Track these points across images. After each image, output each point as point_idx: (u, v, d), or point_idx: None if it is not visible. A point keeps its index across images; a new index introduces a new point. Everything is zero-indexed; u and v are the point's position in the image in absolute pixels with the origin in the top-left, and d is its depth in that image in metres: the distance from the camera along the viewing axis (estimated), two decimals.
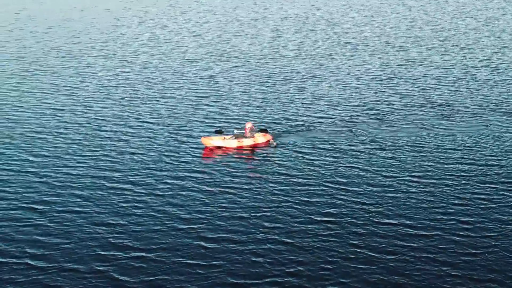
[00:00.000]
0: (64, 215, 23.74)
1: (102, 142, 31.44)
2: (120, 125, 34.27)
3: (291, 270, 20.34)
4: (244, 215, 23.97)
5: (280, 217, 23.85)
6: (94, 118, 35.15)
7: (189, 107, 37.74)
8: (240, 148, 31.07)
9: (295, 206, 24.77)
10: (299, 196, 25.67)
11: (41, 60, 50.85)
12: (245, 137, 31.50)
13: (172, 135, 32.54)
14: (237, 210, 24.41)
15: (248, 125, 31.94)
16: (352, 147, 31.00)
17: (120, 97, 39.90)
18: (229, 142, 31.15)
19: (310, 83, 44.04)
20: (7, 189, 26.50)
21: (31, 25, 68.01)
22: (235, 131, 31.77)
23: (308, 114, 36.63)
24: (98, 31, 64.38)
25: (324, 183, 26.76)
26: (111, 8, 77.90)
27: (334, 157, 29.65)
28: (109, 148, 30.63)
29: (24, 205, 25.00)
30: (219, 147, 30.79)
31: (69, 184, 26.52)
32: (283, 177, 27.52)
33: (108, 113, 36.30)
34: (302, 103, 38.81)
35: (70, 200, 24.99)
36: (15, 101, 39.13)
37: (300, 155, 29.94)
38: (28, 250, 21.50)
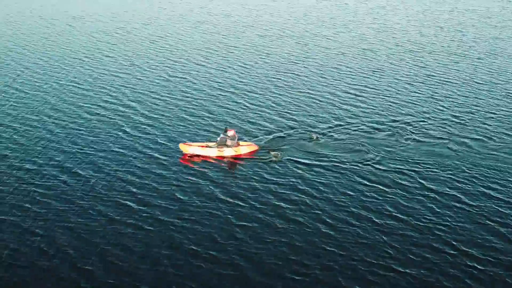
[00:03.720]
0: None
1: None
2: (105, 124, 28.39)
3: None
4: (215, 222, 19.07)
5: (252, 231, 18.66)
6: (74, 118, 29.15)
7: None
8: (219, 158, 24.19)
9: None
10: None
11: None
12: (227, 145, 24.37)
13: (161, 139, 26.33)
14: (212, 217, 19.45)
15: (230, 133, 24.72)
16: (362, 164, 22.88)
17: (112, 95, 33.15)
18: (208, 150, 24.39)
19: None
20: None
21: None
22: (218, 138, 24.82)
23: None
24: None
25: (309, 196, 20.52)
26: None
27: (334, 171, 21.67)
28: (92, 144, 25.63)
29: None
30: (197, 155, 24.24)
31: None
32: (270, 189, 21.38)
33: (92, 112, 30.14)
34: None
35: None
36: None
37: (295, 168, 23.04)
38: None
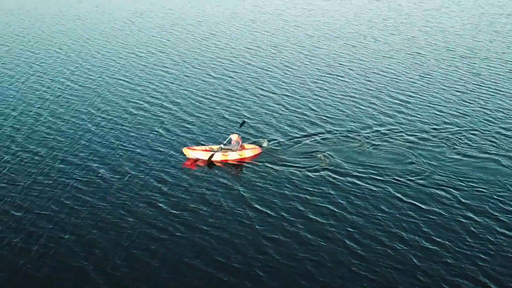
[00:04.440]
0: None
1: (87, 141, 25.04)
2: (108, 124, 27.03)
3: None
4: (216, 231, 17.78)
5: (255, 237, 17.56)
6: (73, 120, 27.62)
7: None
8: (224, 162, 22.84)
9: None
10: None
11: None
12: (231, 150, 23.00)
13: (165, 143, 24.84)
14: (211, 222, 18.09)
15: (234, 137, 23.29)
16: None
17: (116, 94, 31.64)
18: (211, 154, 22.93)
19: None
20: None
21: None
22: (222, 145, 23.44)
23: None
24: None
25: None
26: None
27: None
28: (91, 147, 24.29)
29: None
30: (200, 159, 22.89)
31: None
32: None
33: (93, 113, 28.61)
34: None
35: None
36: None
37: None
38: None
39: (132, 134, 25.79)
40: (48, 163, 22.65)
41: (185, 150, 23.27)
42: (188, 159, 23.09)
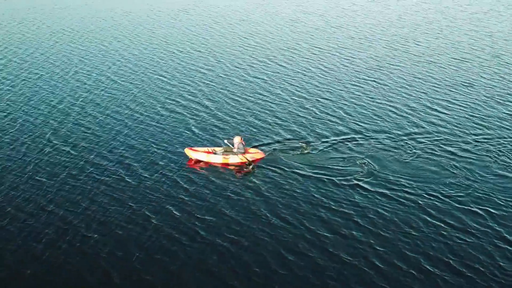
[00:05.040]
0: None
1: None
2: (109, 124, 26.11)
3: None
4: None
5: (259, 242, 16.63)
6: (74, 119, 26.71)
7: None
8: (225, 165, 21.65)
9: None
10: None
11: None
12: (233, 153, 21.79)
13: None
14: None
15: (236, 140, 21.98)
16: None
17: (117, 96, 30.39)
18: (213, 157, 21.82)
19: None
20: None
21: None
22: (225, 140, 22.64)
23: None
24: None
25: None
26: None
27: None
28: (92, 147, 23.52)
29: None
30: (202, 161, 21.85)
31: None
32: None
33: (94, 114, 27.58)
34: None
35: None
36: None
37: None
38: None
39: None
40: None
41: (186, 151, 22.44)
42: (189, 159, 22.25)
